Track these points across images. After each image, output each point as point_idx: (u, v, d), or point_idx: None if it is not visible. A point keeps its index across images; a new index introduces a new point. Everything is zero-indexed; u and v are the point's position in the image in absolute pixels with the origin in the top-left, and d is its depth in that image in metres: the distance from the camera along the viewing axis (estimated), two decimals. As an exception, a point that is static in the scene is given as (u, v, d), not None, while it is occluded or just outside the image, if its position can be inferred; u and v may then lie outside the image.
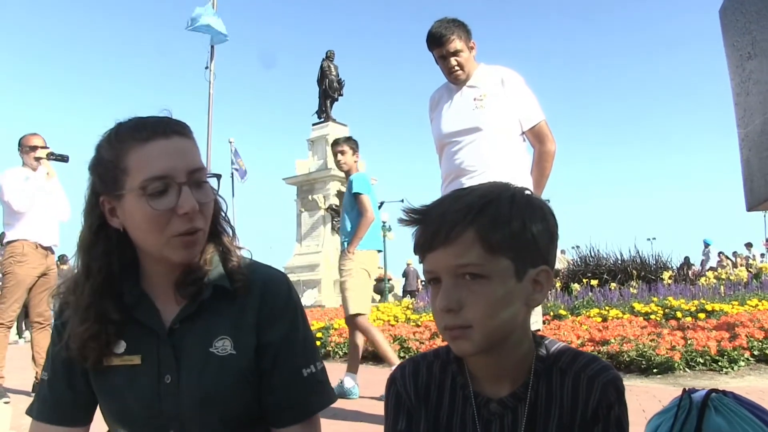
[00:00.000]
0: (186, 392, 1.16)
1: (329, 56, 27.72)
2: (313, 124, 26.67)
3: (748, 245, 21.96)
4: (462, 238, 0.94)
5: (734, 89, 0.59)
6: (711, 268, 16.04)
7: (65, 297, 1.20)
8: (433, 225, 0.97)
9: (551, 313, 8.09)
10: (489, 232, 0.94)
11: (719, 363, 5.07)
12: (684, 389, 1.34)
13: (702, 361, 5.08)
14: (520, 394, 1.02)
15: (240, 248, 1.29)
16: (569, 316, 7.89)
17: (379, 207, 23.15)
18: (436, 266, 0.98)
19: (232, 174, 18.91)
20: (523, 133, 3.04)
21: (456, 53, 3.05)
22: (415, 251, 1.03)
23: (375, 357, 6.97)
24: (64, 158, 4.97)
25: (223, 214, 1.28)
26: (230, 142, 19.55)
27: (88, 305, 1.15)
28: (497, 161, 2.94)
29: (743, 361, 5.11)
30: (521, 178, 2.94)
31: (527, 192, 1.02)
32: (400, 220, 1.03)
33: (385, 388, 1.14)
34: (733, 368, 5.03)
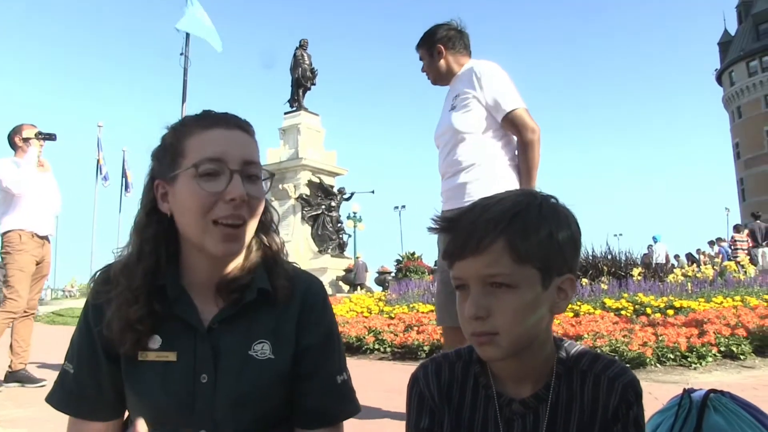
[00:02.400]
0: (222, 393, 1.15)
1: (303, 45, 27.54)
2: (285, 113, 26.51)
3: (711, 243, 22.45)
4: (492, 248, 0.96)
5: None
6: (657, 264, 16.40)
7: (115, 278, 1.17)
8: (463, 234, 1.00)
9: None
10: (518, 242, 0.96)
11: (688, 359, 5.21)
12: (684, 389, 1.40)
13: (672, 356, 5.21)
14: (541, 394, 1.05)
15: (288, 262, 1.30)
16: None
17: (350, 198, 23.10)
18: (465, 274, 1.00)
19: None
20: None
21: (423, 61, 3.34)
22: (444, 258, 1.05)
23: (350, 348, 7.01)
24: (52, 137, 4.92)
25: (275, 226, 1.29)
26: None
27: (139, 287, 1.15)
28: (472, 162, 3.01)
29: (711, 356, 5.26)
30: (500, 175, 2.99)
31: (553, 200, 1.04)
32: (429, 228, 1.06)
33: (407, 387, 1.16)
34: (701, 364, 5.18)
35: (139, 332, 1.14)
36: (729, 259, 15.71)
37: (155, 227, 1.18)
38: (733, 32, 60.46)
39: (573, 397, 1.05)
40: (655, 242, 21.16)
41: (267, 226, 1.27)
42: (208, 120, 1.17)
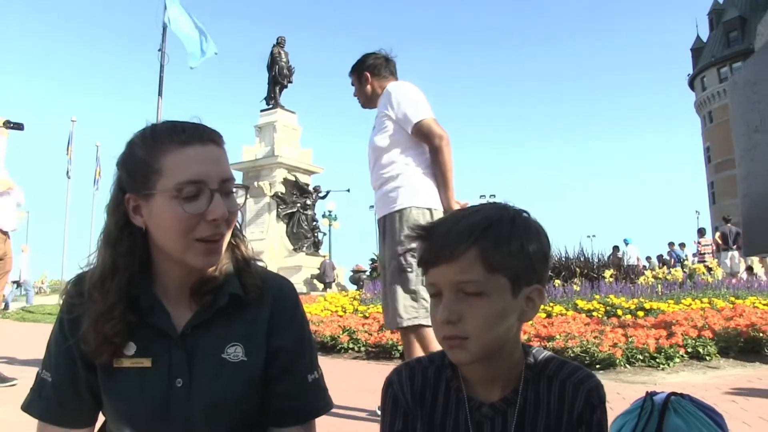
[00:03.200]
0: (197, 396, 1.18)
1: (280, 42, 27.40)
2: (262, 111, 26.35)
3: (682, 245, 22.79)
4: (465, 256, 1.01)
5: (739, 152, 0.68)
6: (628, 267, 16.61)
7: (90, 293, 1.18)
8: (438, 242, 1.04)
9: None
10: (490, 252, 1.01)
11: (657, 360, 5.32)
12: (647, 392, 1.46)
13: (641, 357, 5.32)
14: (510, 398, 1.09)
15: (255, 259, 1.32)
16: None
17: (325, 196, 23.05)
18: (439, 281, 1.05)
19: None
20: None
21: (353, 87, 3.78)
22: (419, 265, 1.10)
23: (324, 347, 7.02)
24: (20, 126, 4.85)
25: (239, 225, 1.30)
26: None
27: (115, 303, 1.16)
28: (392, 174, 3.32)
29: (678, 357, 5.38)
30: (418, 183, 3.27)
31: (525, 215, 1.09)
32: (407, 237, 1.10)
33: (382, 391, 1.19)
34: (669, 365, 5.29)
35: (115, 344, 1.16)
36: (679, 264, 16.05)
37: (128, 241, 1.19)
38: (705, 39, 61.37)
39: (540, 401, 1.09)
40: (627, 245, 21.40)
41: (236, 232, 1.29)
42: (184, 135, 1.16)
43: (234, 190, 1.21)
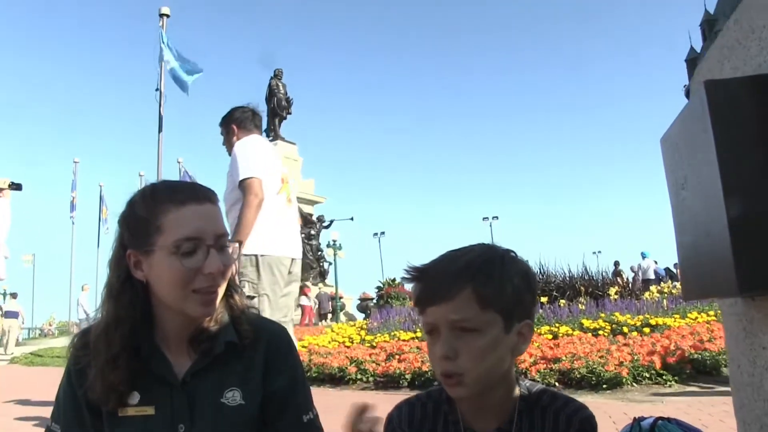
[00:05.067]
0: None
1: (277, 75, 27.68)
2: (262, 143, 26.57)
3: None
4: (460, 295, 1.06)
5: (673, 204, 0.73)
6: (646, 281, 16.52)
7: (95, 345, 1.24)
8: (434, 282, 1.10)
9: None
10: (483, 290, 1.06)
11: (663, 377, 5.31)
12: (634, 418, 1.49)
13: (648, 375, 5.32)
14: (505, 429, 1.14)
15: (249, 307, 1.39)
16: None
17: (329, 226, 23.08)
18: (436, 319, 1.09)
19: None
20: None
21: (222, 137, 4.20)
22: (416, 304, 1.15)
23: (333, 379, 7.03)
24: (19, 187, 4.96)
25: (238, 285, 1.38)
26: (179, 162, 19.21)
27: (118, 353, 1.22)
28: (235, 221, 3.66)
29: (685, 374, 5.37)
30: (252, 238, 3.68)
31: (512, 254, 1.15)
32: (402, 278, 1.16)
33: (383, 426, 1.23)
34: (676, 381, 5.29)
35: (120, 392, 1.22)
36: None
37: (130, 293, 1.26)
38: (698, 49, 61.75)
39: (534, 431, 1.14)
40: (644, 258, 21.31)
41: (230, 283, 1.35)
42: (182, 195, 1.25)
43: (227, 244, 1.28)
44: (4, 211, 4.91)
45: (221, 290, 1.28)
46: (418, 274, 1.13)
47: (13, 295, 21.60)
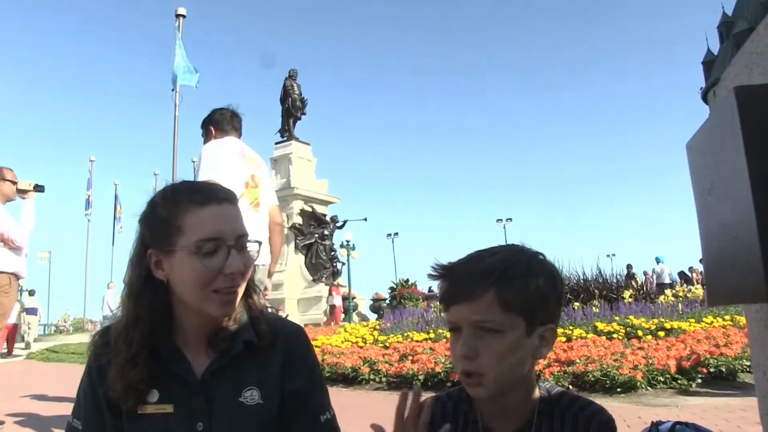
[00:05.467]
0: None
1: (292, 75, 27.75)
2: (276, 143, 26.65)
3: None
4: (483, 297, 1.07)
5: (698, 210, 0.73)
6: (660, 285, 16.44)
7: (116, 343, 1.26)
8: (459, 282, 1.11)
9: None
10: (506, 293, 1.07)
11: (678, 381, 5.28)
12: (652, 422, 1.50)
13: (662, 379, 5.29)
14: (525, 430, 1.15)
15: (268, 307, 1.40)
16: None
17: (342, 226, 23.10)
18: (458, 318, 1.11)
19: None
20: None
21: (203, 138, 4.30)
22: (441, 302, 1.17)
23: (346, 379, 7.05)
24: (42, 189, 5.06)
25: (256, 284, 1.39)
26: (193, 162, 19.28)
27: (138, 352, 1.23)
28: None
29: (701, 378, 5.34)
30: None
31: (541, 257, 1.16)
32: (429, 275, 1.17)
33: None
34: (691, 386, 5.25)
35: (140, 391, 1.24)
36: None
37: (150, 293, 1.27)
38: (716, 51, 61.29)
39: None
40: (658, 263, 21.23)
41: (249, 283, 1.37)
42: (201, 196, 1.26)
43: (247, 245, 1.29)
44: (29, 212, 5.01)
45: (241, 290, 1.29)
46: (445, 272, 1.15)
47: (31, 293, 22.12)
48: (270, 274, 4.25)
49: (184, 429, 1.25)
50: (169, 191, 1.30)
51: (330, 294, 21.77)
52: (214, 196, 1.27)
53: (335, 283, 22.96)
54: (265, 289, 4.85)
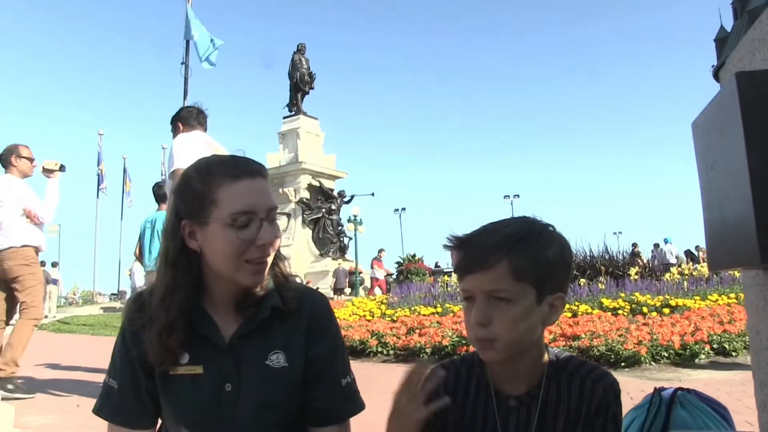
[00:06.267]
0: (245, 400, 1.32)
1: (300, 49, 27.63)
2: (284, 117, 26.62)
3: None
4: (497, 267, 1.14)
5: (701, 184, 0.80)
6: (666, 264, 16.50)
7: (155, 311, 1.32)
8: (473, 253, 1.17)
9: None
10: (519, 263, 1.14)
11: (682, 356, 5.38)
12: (655, 388, 1.57)
13: (666, 354, 5.38)
14: (534, 392, 1.22)
15: (293, 275, 1.47)
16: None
17: (350, 201, 23.11)
18: (472, 287, 1.18)
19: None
20: None
21: (172, 134, 4.77)
22: (455, 271, 1.24)
23: (354, 352, 7.16)
24: (64, 168, 5.29)
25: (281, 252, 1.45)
26: (163, 148, 19.27)
27: (176, 317, 1.30)
28: None
29: (704, 354, 5.43)
30: None
31: (551, 228, 1.22)
32: (444, 246, 1.24)
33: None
34: (694, 361, 5.35)
35: (176, 355, 1.31)
36: None
37: (185, 262, 1.33)
38: (729, 28, 60.51)
39: (561, 396, 1.22)
40: (666, 243, 21.34)
41: (277, 253, 1.42)
42: (236, 170, 1.32)
43: (277, 217, 1.36)
44: (54, 191, 5.24)
45: (270, 260, 1.35)
46: (459, 243, 1.21)
47: (54, 264, 23.67)
48: None
49: (212, 389, 1.32)
50: (203, 165, 1.35)
51: (372, 267, 22.35)
52: (248, 170, 1.32)
53: (379, 257, 23.20)
54: None
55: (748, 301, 0.82)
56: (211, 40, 11.73)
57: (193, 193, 1.32)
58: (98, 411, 1.40)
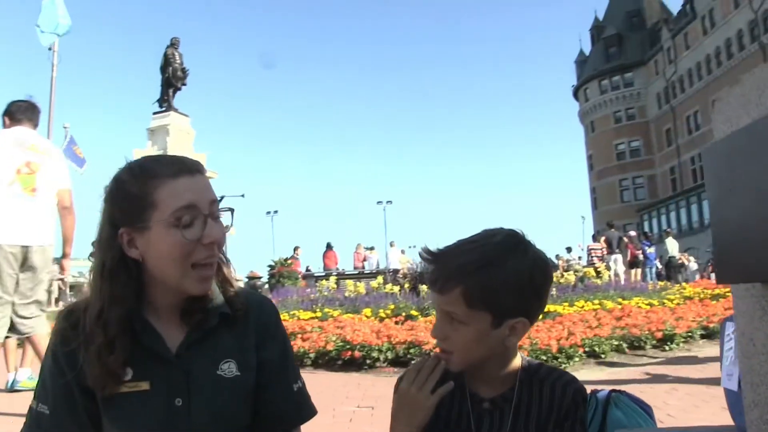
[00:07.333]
0: (197, 414, 1.22)
1: (174, 43, 26.56)
2: (154, 113, 25.53)
3: (568, 249, 24.05)
4: (450, 293, 1.18)
5: (713, 205, 0.85)
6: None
7: (91, 329, 1.20)
8: (435, 273, 1.22)
9: (403, 314, 8.50)
10: (473, 292, 1.16)
11: (558, 359, 5.67)
12: (590, 390, 1.65)
13: (545, 358, 5.65)
14: (508, 396, 1.26)
15: (237, 279, 1.39)
16: (420, 317, 8.37)
17: (219, 201, 22.77)
18: (434, 302, 1.26)
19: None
20: None
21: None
22: (427, 283, 1.27)
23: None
24: None
25: (225, 255, 1.36)
26: (65, 128, 17.91)
27: (116, 335, 1.18)
28: None
29: (578, 356, 5.78)
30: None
31: (523, 248, 1.22)
32: (420, 256, 1.29)
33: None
34: (570, 363, 5.67)
35: (118, 375, 1.19)
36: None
37: (125, 274, 1.22)
38: (587, 52, 64.92)
39: (533, 399, 1.26)
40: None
41: (220, 257, 1.34)
42: (174, 167, 1.23)
43: (221, 214, 1.28)
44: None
45: (215, 262, 1.27)
46: (430, 258, 1.25)
47: None
48: (66, 256, 4.61)
49: (162, 405, 1.21)
50: (137, 167, 1.25)
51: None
52: (185, 167, 1.24)
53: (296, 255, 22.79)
54: (63, 270, 4.93)
55: (739, 310, 0.87)
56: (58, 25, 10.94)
57: (129, 198, 1.21)
58: None
